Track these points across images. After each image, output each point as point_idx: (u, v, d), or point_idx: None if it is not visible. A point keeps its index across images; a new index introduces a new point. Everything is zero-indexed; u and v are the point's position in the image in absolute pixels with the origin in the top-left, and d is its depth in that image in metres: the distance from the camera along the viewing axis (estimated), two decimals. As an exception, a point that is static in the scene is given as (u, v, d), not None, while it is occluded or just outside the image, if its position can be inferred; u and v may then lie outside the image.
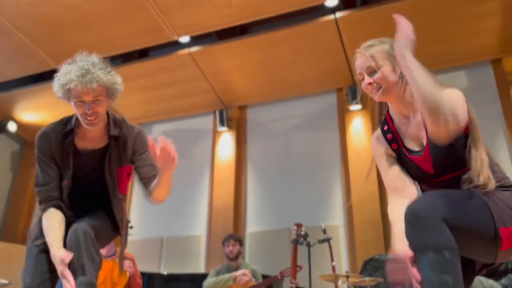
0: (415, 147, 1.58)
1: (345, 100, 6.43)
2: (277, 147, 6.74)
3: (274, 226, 6.21)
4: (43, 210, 1.91)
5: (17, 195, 7.86)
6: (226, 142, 6.96)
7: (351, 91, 6.24)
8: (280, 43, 5.88)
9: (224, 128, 6.94)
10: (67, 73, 1.75)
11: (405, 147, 1.61)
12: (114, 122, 1.95)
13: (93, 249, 1.76)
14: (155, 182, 1.92)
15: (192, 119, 7.40)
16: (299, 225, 4.27)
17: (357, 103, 6.21)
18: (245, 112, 7.22)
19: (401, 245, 1.39)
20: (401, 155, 1.63)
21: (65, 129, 1.91)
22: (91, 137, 1.93)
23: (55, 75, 1.81)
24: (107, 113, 1.95)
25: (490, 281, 3.13)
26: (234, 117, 7.07)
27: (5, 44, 5.84)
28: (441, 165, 1.50)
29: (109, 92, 1.82)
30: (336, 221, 5.95)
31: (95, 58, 1.83)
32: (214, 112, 7.15)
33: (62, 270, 1.73)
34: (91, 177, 1.96)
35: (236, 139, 6.95)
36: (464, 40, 5.63)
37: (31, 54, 6.09)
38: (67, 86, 1.74)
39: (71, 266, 1.75)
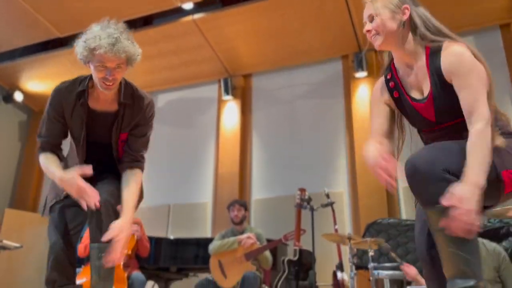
0: (417, 95, 1.60)
1: (350, 68, 6.38)
2: (282, 115, 6.75)
3: (279, 193, 6.29)
4: (40, 152, 2.02)
5: (26, 164, 7.99)
6: (231, 110, 6.97)
7: (356, 58, 6.18)
8: (285, 9, 5.79)
9: (229, 97, 6.94)
10: (96, 37, 1.77)
11: (407, 94, 1.63)
12: (125, 88, 2.00)
13: (114, 219, 1.84)
14: (127, 192, 1.95)
15: (196, 88, 7.39)
16: (302, 190, 4.34)
17: (362, 70, 6.16)
18: (250, 80, 7.19)
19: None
20: (403, 103, 1.65)
21: (78, 89, 1.96)
22: (103, 100, 1.98)
23: (82, 36, 1.84)
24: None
25: (493, 244, 3.18)
26: (239, 85, 7.06)
27: (8, 12, 5.82)
28: (443, 113, 1.53)
29: (129, 61, 1.88)
30: (340, 187, 6.01)
31: (122, 26, 1.87)
32: (219, 80, 7.13)
33: (77, 187, 1.78)
34: (101, 139, 2.01)
35: (241, 107, 6.95)
36: (472, 5, 5.52)
37: (35, 23, 6.07)
38: (97, 51, 1.77)
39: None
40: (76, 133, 1.99)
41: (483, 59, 1.50)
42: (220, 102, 7.13)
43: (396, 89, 1.66)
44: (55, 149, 2.03)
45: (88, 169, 1.82)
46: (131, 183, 1.96)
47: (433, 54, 1.54)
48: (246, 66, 6.97)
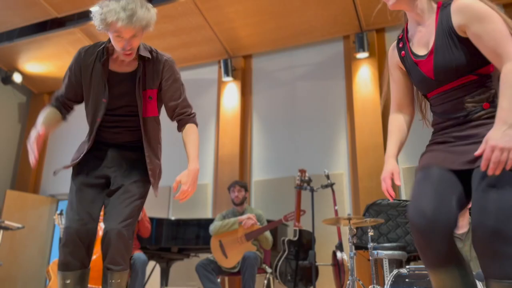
0: (421, 52, 1.57)
1: (352, 48, 6.32)
2: (282, 97, 6.72)
3: (279, 175, 6.31)
4: (47, 106, 2.09)
5: (27, 145, 7.99)
6: (231, 92, 6.94)
7: (358, 39, 6.11)
8: (285, -12, 5.71)
9: (229, 78, 6.89)
10: (112, 11, 1.79)
11: (412, 51, 1.60)
12: (144, 47, 2.03)
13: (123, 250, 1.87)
14: (187, 144, 2.02)
15: (196, 69, 7.35)
16: (302, 171, 4.35)
17: (364, 51, 6.11)
18: (250, 61, 7.14)
19: (391, 152, 1.65)
20: (407, 62, 1.62)
21: (98, 52, 2.00)
22: (121, 60, 2.02)
23: (98, 9, 1.85)
24: None
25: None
26: (239, 66, 7.01)
27: (5, -8, 5.74)
28: (442, 69, 1.48)
29: (146, 28, 1.91)
30: (340, 169, 6.03)
31: None
32: (219, 62, 7.08)
33: (32, 139, 1.82)
34: (125, 102, 2.01)
35: (241, 89, 6.92)
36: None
37: (33, 3, 5.99)
38: (114, 25, 1.80)
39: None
40: (97, 93, 1.99)
41: (496, 8, 1.42)
42: (220, 84, 7.09)
43: (403, 49, 1.64)
44: (62, 106, 2.09)
45: (43, 131, 1.85)
46: (187, 137, 2.02)
47: (444, 8, 1.51)
48: (246, 47, 6.91)
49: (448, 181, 1.44)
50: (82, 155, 1.99)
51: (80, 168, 2.00)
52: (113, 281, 1.86)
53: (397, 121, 1.73)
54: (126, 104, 2.00)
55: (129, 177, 1.98)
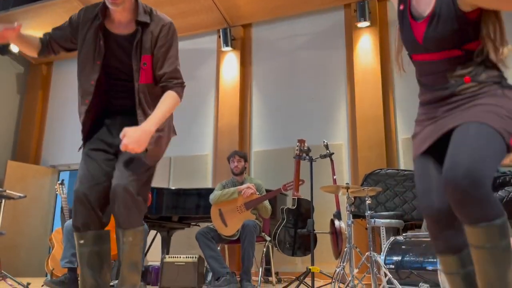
0: (419, 15, 1.56)
1: (353, 17, 6.21)
2: (282, 67, 6.66)
3: (278, 145, 6.32)
4: None
5: (27, 117, 7.99)
6: (231, 62, 6.87)
7: (359, 7, 6.00)
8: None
9: (229, 48, 6.81)
10: None
11: (410, 10, 1.58)
12: (143, 10, 1.96)
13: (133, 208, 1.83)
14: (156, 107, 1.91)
15: (195, 39, 7.25)
16: (302, 141, 4.35)
17: (365, 20, 6.01)
18: (249, 31, 7.04)
19: None
20: (403, 18, 1.60)
21: (96, 11, 1.95)
22: (119, 21, 1.95)
23: None
24: (137, 0, 1.96)
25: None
26: (238, 36, 6.91)
27: (-2, -42, 5.60)
28: (432, 38, 1.49)
29: None
30: (339, 139, 6.04)
31: None
32: (218, 31, 6.97)
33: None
34: (121, 66, 1.96)
35: (241, 59, 6.85)
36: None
37: (27, -30, 5.87)
38: None
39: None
40: (90, 53, 1.94)
41: None
42: (220, 54, 7.01)
43: (403, 2, 1.62)
44: (46, 42, 2.04)
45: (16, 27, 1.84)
46: (161, 101, 1.90)
47: None
48: (245, 16, 6.80)
49: (432, 169, 1.51)
50: (87, 125, 1.96)
51: (91, 136, 1.98)
52: (125, 239, 1.82)
53: None
54: (121, 69, 1.96)
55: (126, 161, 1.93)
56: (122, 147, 1.74)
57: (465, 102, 1.46)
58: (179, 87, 1.97)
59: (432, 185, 1.48)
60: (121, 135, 1.75)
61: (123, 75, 1.97)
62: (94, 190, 1.84)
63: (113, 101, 2.00)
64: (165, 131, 2.01)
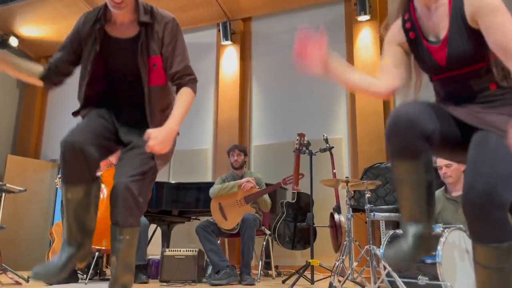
0: (433, 38, 1.55)
1: (353, 10, 6.19)
2: (282, 61, 6.64)
3: (278, 139, 6.33)
4: None
5: (26, 111, 7.99)
6: (230, 56, 6.86)
7: (360, 1, 5.97)
8: None
9: (228, 42, 6.79)
10: None
11: (423, 36, 1.57)
12: (144, 10, 1.92)
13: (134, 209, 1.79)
14: (175, 106, 1.93)
15: (194, 33, 7.22)
16: (301, 135, 4.36)
17: (365, 13, 5.98)
18: (249, 24, 7.01)
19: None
20: (417, 45, 1.59)
21: (98, 15, 1.91)
22: (120, 24, 1.91)
23: None
24: (137, 0, 1.92)
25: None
26: (238, 30, 6.89)
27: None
28: (455, 58, 1.48)
29: None
30: (339, 134, 6.04)
31: None
32: (218, 25, 6.95)
33: None
34: (124, 68, 1.93)
35: (241, 53, 6.83)
36: None
37: (25, -37, 5.83)
38: None
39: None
40: (89, 59, 1.90)
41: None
42: (219, 48, 6.99)
43: (412, 30, 1.59)
44: (49, 68, 1.96)
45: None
46: (177, 99, 1.92)
47: None
48: (245, 9, 6.77)
49: (438, 110, 1.45)
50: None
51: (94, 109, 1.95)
52: (121, 237, 1.76)
53: (371, 78, 1.65)
54: (129, 73, 1.92)
55: (142, 140, 1.85)
56: (147, 149, 1.71)
57: (491, 106, 1.43)
58: (192, 83, 1.98)
59: (419, 104, 1.43)
60: (145, 137, 1.72)
61: (130, 77, 1.93)
62: (90, 144, 1.76)
63: (123, 109, 1.96)
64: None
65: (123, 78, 1.94)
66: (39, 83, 1.97)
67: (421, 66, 1.61)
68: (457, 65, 1.48)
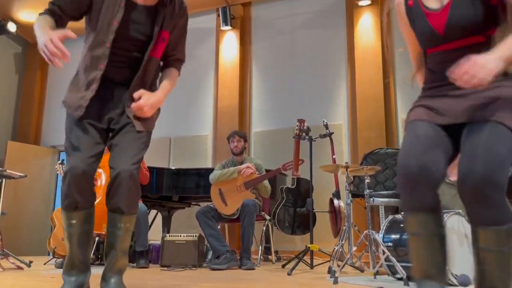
0: (435, 5, 1.49)
1: (354, -5, 6.14)
2: (282, 46, 6.60)
3: (278, 126, 6.32)
4: (41, 14, 1.86)
5: (26, 97, 7.96)
6: (230, 41, 6.81)
7: (360, -15, 5.92)
8: None
9: (228, 27, 6.74)
10: None
11: (422, 2, 1.52)
12: None
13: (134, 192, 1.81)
14: (163, 80, 1.99)
15: (193, 18, 7.13)
16: (301, 121, 4.34)
17: (366, -2, 5.93)
18: (249, 9, 6.95)
19: None
20: (415, 13, 1.54)
21: None
22: None
23: None
24: None
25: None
26: (238, 15, 6.83)
27: None
28: (455, 25, 1.43)
29: None
30: (339, 120, 6.03)
31: None
32: (217, 9, 6.89)
33: (55, 40, 1.58)
34: (136, 35, 1.90)
35: (240, 38, 6.78)
36: None
37: None
38: None
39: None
40: (107, 16, 1.84)
41: None
42: (219, 33, 6.94)
43: None
44: (59, 19, 1.85)
45: (71, 34, 1.64)
46: (164, 76, 2.00)
47: None
48: (245, -6, 6.71)
49: (435, 134, 1.44)
50: (91, 95, 1.84)
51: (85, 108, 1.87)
52: (122, 224, 1.80)
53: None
54: (136, 39, 1.89)
55: (135, 118, 1.89)
56: (134, 106, 1.78)
57: (484, 94, 1.39)
58: (181, 65, 2.10)
59: (418, 142, 1.42)
60: (135, 95, 1.80)
61: (131, 46, 1.90)
62: (92, 168, 1.80)
63: (112, 71, 1.89)
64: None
65: (123, 47, 1.90)
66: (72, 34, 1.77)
67: (417, 34, 1.56)
68: (454, 33, 1.44)
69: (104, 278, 1.81)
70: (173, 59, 2.04)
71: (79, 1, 1.86)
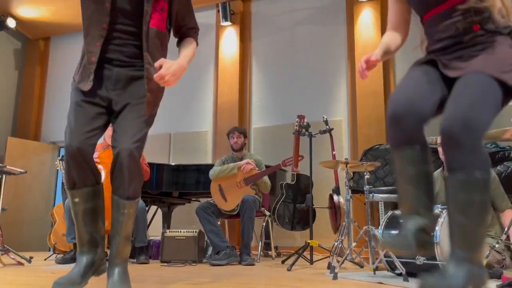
0: None
1: (354, -9, 6.12)
2: (282, 42, 6.59)
3: (278, 122, 6.32)
4: None
5: (26, 93, 7.95)
6: (230, 37, 6.80)
7: (361, -19, 5.90)
8: None
9: (228, 23, 6.72)
10: None
11: None
12: None
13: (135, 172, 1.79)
14: (182, 50, 1.99)
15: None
16: (301, 117, 4.34)
17: (366, -7, 5.91)
18: (249, 5, 6.93)
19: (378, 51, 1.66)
20: None
21: None
22: None
23: None
24: None
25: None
26: (238, 10, 6.81)
27: None
28: None
29: None
30: (339, 116, 6.03)
31: None
32: (217, 5, 6.87)
33: None
34: (127, 6, 1.87)
35: (240, 34, 6.77)
36: None
37: None
38: None
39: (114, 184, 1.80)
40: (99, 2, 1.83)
41: None
42: (218, 29, 6.93)
43: None
44: None
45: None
46: (183, 46, 2.01)
47: None
48: (245, -10, 6.68)
49: (430, 75, 1.51)
50: (91, 76, 1.83)
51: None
52: (125, 210, 1.79)
53: (391, 35, 1.77)
54: (133, 11, 1.86)
55: (135, 97, 1.87)
56: (156, 77, 1.74)
57: (473, 50, 1.46)
58: (196, 34, 2.10)
59: (413, 80, 1.50)
60: (156, 64, 1.77)
61: (129, 19, 1.88)
62: (87, 144, 1.77)
63: (112, 49, 1.88)
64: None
65: (122, 21, 1.88)
66: None
67: (413, 4, 1.65)
68: None
69: (111, 265, 1.81)
70: (185, 29, 2.05)
71: None
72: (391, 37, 1.75)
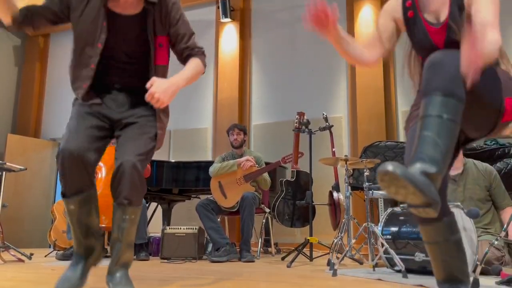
0: (432, 19, 1.57)
1: (354, -13, 6.10)
2: (282, 39, 6.58)
3: (278, 118, 6.32)
4: None
5: (25, 90, 7.95)
6: (230, 34, 6.79)
7: (361, -23, 5.88)
8: None
9: (227, 19, 6.71)
10: None
11: (423, 16, 1.59)
12: None
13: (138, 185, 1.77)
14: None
15: (193, 10, 7.12)
16: (301, 114, 4.35)
17: (366, -10, 5.90)
18: (249, 1, 6.92)
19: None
20: (415, 25, 1.60)
21: None
22: (125, 1, 1.85)
23: None
24: None
25: (485, 164, 3.24)
26: (237, 7, 6.80)
27: None
28: (453, 43, 1.49)
29: None
30: (339, 112, 6.03)
31: None
32: (217, 1, 6.85)
33: None
34: (122, 46, 1.87)
35: (240, 31, 6.76)
36: None
37: None
38: None
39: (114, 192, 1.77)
40: (89, 34, 1.82)
41: None
42: (218, 25, 6.91)
43: (412, 9, 1.61)
44: (28, 13, 1.88)
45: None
46: (189, 64, 1.95)
47: None
48: (245, -14, 6.67)
49: None
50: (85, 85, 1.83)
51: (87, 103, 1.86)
52: (127, 216, 1.75)
53: (362, 48, 1.70)
54: (127, 50, 1.87)
55: (142, 116, 1.86)
56: (147, 96, 1.69)
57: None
58: (202, 54, 2.02)
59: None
60: (148, 84, 1.71)
61: (125, 57, 1.89)
62: (88, 149, 1.74)
63: (111, 79, 1.90)
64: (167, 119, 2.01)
65: (119, 59, 1.89)
66: (9, 21, 1.86)
67: (416, 45, 1.63)
68: (453, 46, 1.49)
69: (110, 272, 1.77)
70: (187, 51, 1.97)
71: (55, 4, 1.86)
72: (360, 48, 1.69)
